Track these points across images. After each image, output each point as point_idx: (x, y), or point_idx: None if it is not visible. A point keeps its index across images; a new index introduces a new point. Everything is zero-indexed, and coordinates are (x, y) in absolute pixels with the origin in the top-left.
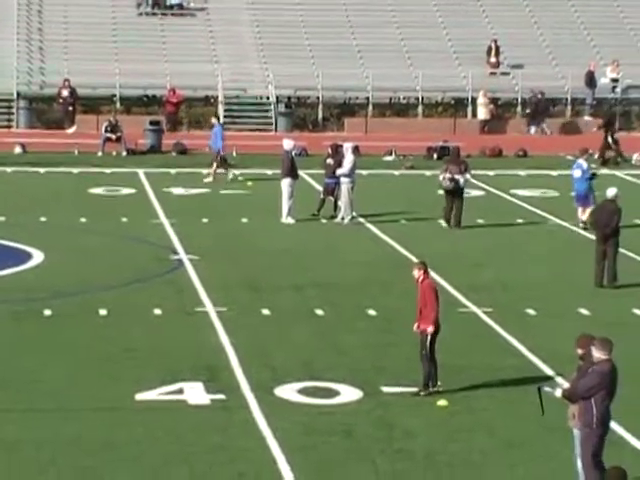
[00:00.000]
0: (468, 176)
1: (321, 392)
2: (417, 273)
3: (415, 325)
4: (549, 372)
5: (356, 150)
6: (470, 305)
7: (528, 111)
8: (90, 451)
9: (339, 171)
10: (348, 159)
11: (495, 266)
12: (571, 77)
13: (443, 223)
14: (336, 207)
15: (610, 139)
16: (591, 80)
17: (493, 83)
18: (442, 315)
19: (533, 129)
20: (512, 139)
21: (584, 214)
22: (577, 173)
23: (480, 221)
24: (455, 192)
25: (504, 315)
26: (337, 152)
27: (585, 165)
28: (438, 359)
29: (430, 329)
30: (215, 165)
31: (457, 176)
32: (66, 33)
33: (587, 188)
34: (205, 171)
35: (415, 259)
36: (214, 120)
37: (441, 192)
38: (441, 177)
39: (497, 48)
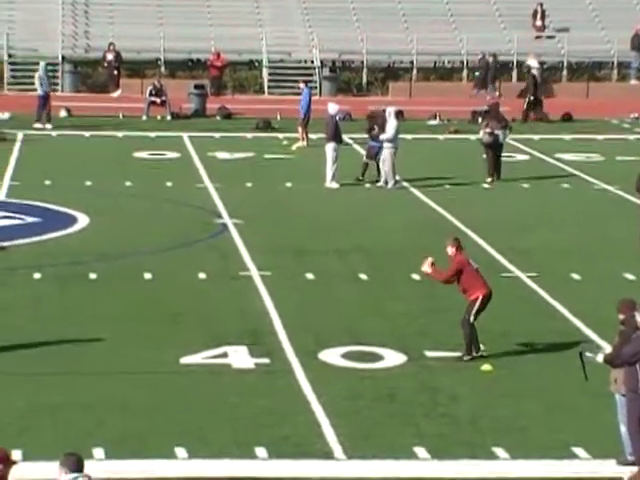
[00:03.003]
0: (507, 132)
1: (365, 356)
2: (450, 250)
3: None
4: (593, 337)
5: (399, 114)
6: (514, 269)
7: (477, 74)
8: (136, 414)
9: (382, 136)
10: (391, 124)
11: (540, 230)
12: (617, 40)
13: (488, 178)
14: (379, 171)
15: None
16: (638, 43)
17: (538, 47)
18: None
19: (477, 92)
20: (557, 103)
21: None
22: None
23: (525, 185)
24: (495, 146)
25: (548, 280)
26: (379, 117)
27: None
28: (483, 324)
29: (473, 297)
30: (300, 129)
31: (497, 131)
32: None
33: None
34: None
35: (459, 223)
36: (302, 85)
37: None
38: (481, 132)
39: (543, 11)
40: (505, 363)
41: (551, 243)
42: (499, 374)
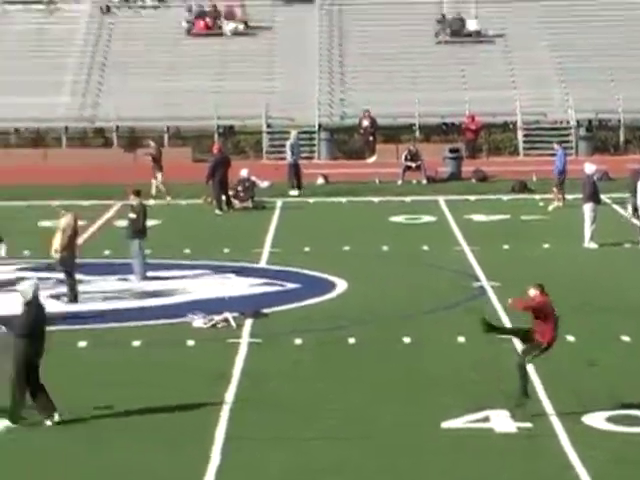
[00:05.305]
0: None
1: (631, 420)
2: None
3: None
4: None
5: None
6: None
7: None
8: (398, 477)
9: None
10: None
11: None
12: None
13: None
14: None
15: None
16: None
17: None
18: None
19: None
20: None
21: None
22: None
23: None
24: None
25: None
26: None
27: None
28: None
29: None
30: (556, 190)
31: None
32: (366, 64)
33: None
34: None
35: None
36: (556, 146)
37: None
38: None
39: None
40: None
41: None
42: None
